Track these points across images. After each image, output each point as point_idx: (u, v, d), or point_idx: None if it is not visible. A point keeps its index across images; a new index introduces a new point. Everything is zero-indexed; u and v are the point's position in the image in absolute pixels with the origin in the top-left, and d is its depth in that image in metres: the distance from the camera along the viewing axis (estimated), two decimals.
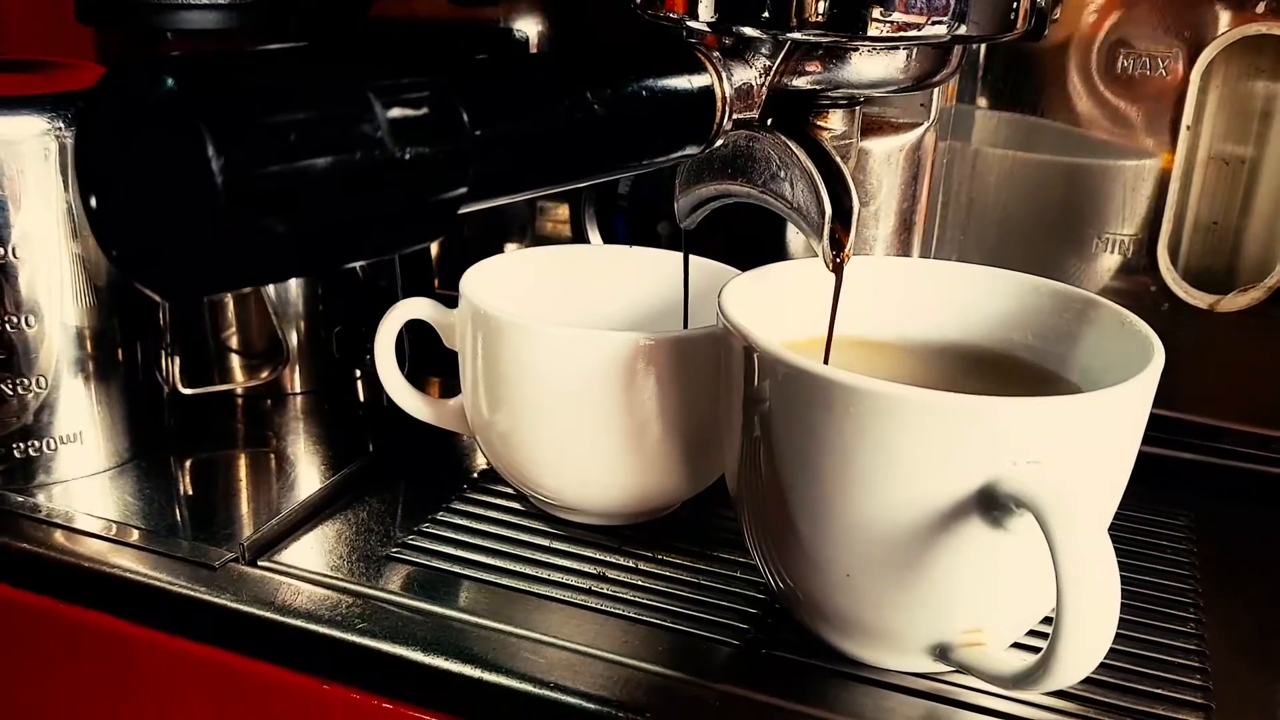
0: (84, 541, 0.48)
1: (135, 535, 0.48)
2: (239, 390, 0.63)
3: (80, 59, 0.56)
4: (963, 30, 0.40)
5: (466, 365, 0.50)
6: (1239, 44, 0.54)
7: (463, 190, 0.29)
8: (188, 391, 0.58)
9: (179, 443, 0.57)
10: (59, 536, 0.48)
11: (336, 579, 0.46)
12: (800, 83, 0.41)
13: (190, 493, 0.53)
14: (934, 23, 0.39)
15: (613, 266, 0.55)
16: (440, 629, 0.43)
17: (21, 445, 0.51)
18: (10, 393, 0.50)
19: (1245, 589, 0.49)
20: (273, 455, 0.57)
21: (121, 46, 0.62)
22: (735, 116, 0.39)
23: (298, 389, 0.63)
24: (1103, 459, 0.37)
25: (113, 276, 0.51)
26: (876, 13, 0.38)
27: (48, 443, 0.51)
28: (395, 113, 0.27)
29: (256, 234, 0.25)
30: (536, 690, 0.40)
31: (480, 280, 0.50)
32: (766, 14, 0.38)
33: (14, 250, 0.48)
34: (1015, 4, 0.41)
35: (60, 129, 0.48)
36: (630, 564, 0.47)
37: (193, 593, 0.44)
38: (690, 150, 0.39)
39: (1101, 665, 0.33)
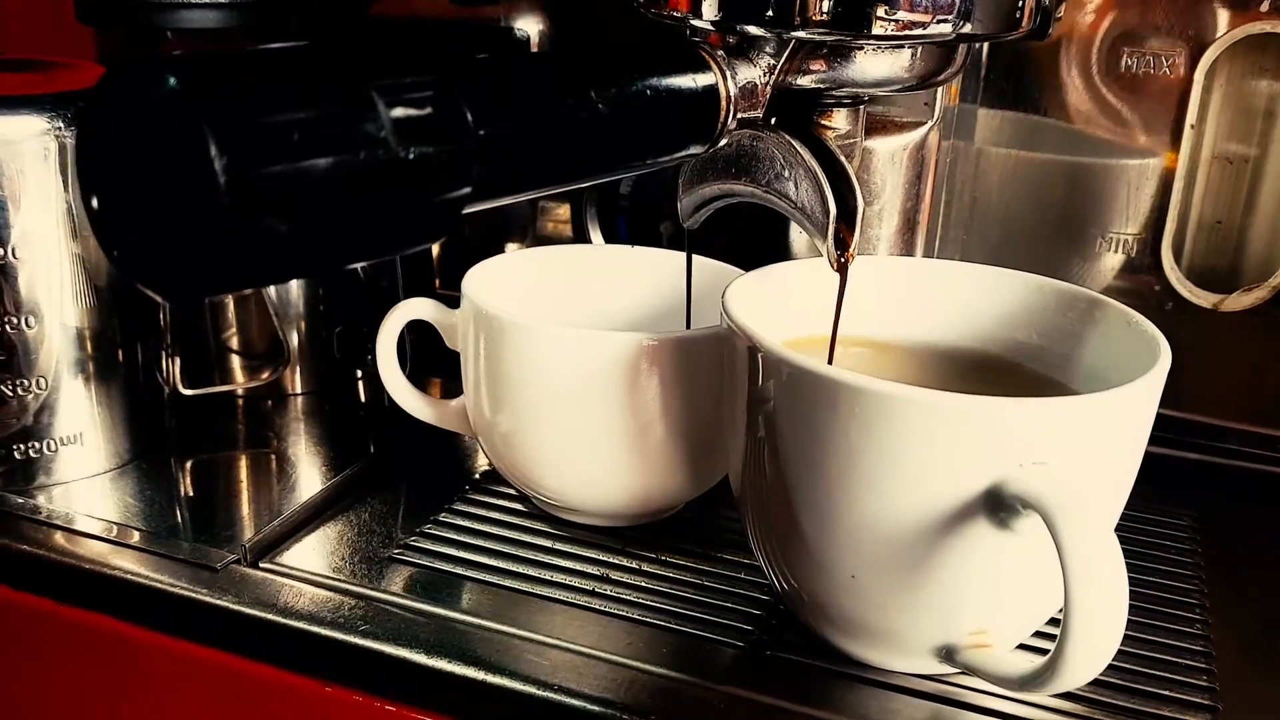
0: (84, 543, 0.47)
1: (136, 537, 0.48)
2: (240, 391, 0.62)
3: (80, 59, 0.56)
4: (968, 29, 0.39)
5: (468, 366, 0.49)
6: (1242, 43, 0.54)
7: (467, 190, 0.29)
8: (188, 392, 0.58)
9: (180, 444, 0.57)
10: (59, 538, 0.48)
11: (338, 580, 0.45)
12: (805, 82, 0.41)
13: (191, 494, 0.53)
14: (939, 21, 0.39)
15: (615, 266, 0.55)
16: (443, 631, 0.42)
17: (21, 447, 0.51)
18: (10, 394, 0.50)
19: (1250, 589, 0.48)
20: (274, 456, 0.57)
21: (121, 46, 0.62)
22: (740, 116, 0.39)
23: (299, 390, 0.63)
24: (1110, 459, 0.36)
25: (113, 277, 0.51)
26: (881, 11, 0.38)
27: (48, 444, 0.51)
28: (399, 112, 0.27)
29: (259, 234, 0.25)
30: (540, 692, 0.40)
31: (482, 280, 0.50)
32: (771, 12, 0.38)
33: (14, 250, 0.48)
34: (1021, 3, 0.40)
35: (60, 129, 0.48)
36: (634, 565, 0.47)
37: (194, 595, 0.44)
38: (694, 149, 0.38)
39: (1107, 666, 0.33)
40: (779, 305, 0.44)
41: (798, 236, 0.53)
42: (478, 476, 0.55)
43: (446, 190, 0.29)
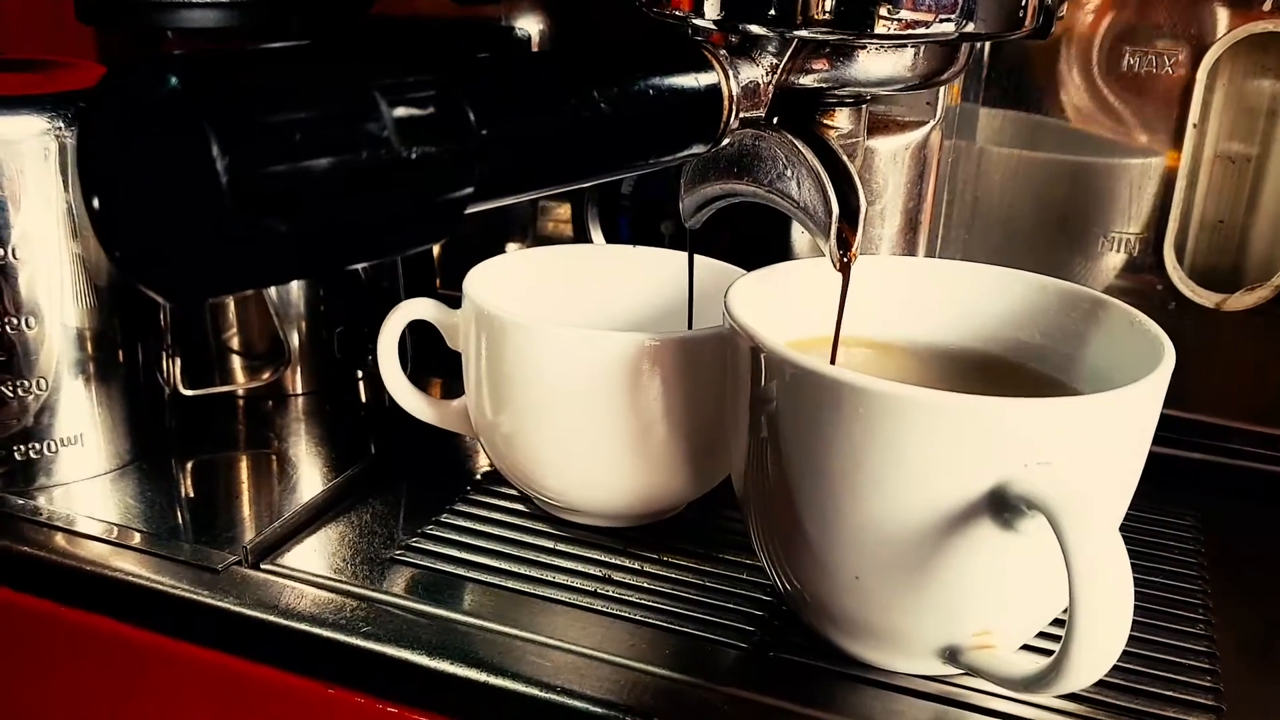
0: (85, 544, 0.47)
1: (137, 538, 0.48)
2: (240, 391, 0.62)
3: (80, 58, 0.56)
4: (971, 28, 0.39)
5: (470, 366, 0.49)
6: (1245, 42, 0.54)
7: (469, 190, 0.29)
8: (189, 393, 0.58)
9: (180, 445, 0.57)
10: (60, 539, 0.48)
11: (340, 582, 0.45)
12: (807, 81, 0.41)
13: (192, 495, 0.53)
14: (942, 20, 0.39)
15: (617, 266, 0.55)
16: (445, 632, 0.42)
17: (22, 448, 0.51)
18: (10, 394, 0.50)
19: (1253, 589, 0.48)
20: (275, 457, 0.57)
21: (122, 46, 0.62)
22: (742, 115, 0.39)
23: (299, 390, 0.63)
24: (1114, 459, 0.36)
25: (113, 277, 0.51)
26: (884, 10, 0.38)
27: (48, 445, 0.51)
28: (401, 112, 0.27)
29: (261, 235, 0.25)
30: (542, 694, 0.39)
31: (484, 280, 0.50)
32: (773, 11, 0.38)
33: (14, 251, 0.48)
34: (1024, 2, 0.40)
35: (60, 129, 0.48)
36: (636, 566, 0.47)
37: (195, 596, 0.44)
38: (697, 149, 0.38)
39: (1111, 666, 0.33)
40: (781, 305, 0.44)
41: (799, 236, 0.52)
42: (479, 477, 0.54)
43: (449, 190, 0.29)
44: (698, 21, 0.40)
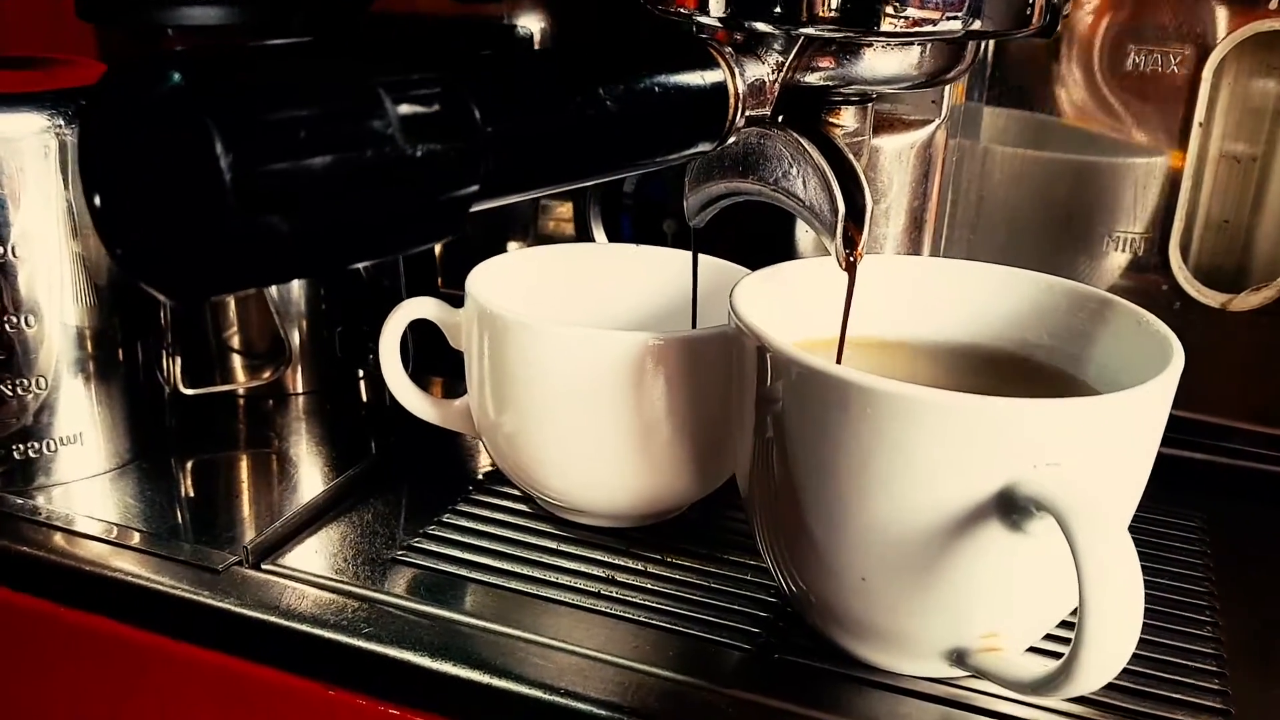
0: (85, 544, 0.47)
1: (137, 538, 0.47)
2: (241, 391, 0.62)
3: (80, 56, 0.55)
4: (978, 25, 0.39)
5: (472, 365, 0.49)
6: (1250, 41, 0.54)
7: (474, 188, 0.29)
8: (189, 392, 0.57)
9: (180, 444, 0.57)
10: (59, 539, 0.47)
11: (341, 582, 0.45)
12: (813, 79, 0.40)
13: (192, 495, 0.53)
14: (949, 18, 0.38)
15: (620, 265, 0.55)
16: (447, 633, 0.42)
17: (21, 447, 0.50)
18: (10, 393, 0.49)
19: (1260, 590, 0.48)
20: (275, 457, 0.56)
21: (122, 43, 0.62)
22: (748, 114, 0.38)
23: (300, 389, 0.63)
24: (1123, 460, 0.36)
25: (113, 275, 0.51)
26: (890, 8, 0.38)
27: (47, 444, 0.51)
28: (406, 109, 0.27)
29: (265, 233, 0.24)
30: (545, 696, 0.39)
31: (487, 279, 0.50)
32: (779, 9, 0.38)
33: (13, 249, 0.48)
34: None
35: (60, 126, 0.47)
36: (639, 567, 0.47)
37: (196, 597, 0.44)
38: (703, 147, 0.38)
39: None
40: (786, 304, 0.44)
41: (803, 235, 0.52)
42: (481, 477, 0.54)
43: (454, 188, 0.28)
44: (702, 19, 0.40)
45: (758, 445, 0.39)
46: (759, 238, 0.52)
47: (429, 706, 0.41)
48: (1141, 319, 0.41)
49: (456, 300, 0.50)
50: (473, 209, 0.30)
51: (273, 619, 0.43)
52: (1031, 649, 0.41)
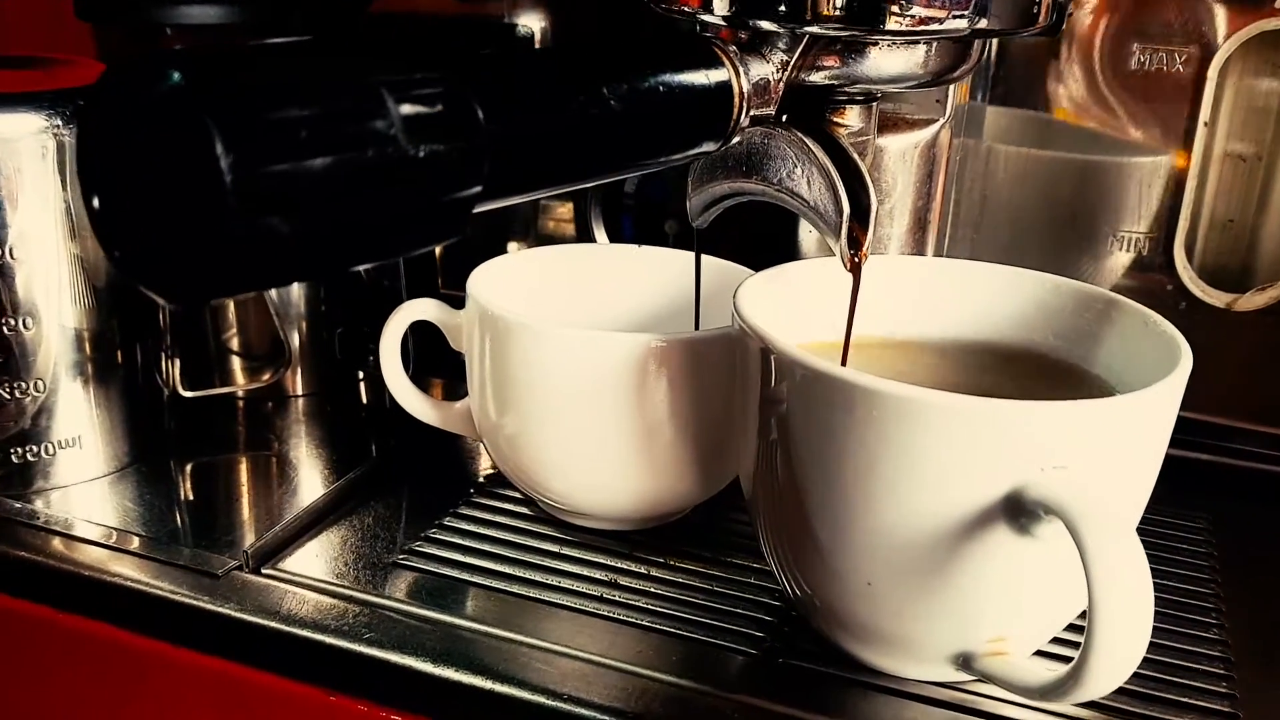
0: (83, 549, 0.47)
1: (136, 542, 0.47)
2: (240, 393, 0.62)
3: (79, 55, 0.55)
4: (983, 24, 0.39)
5: (474, 367, 0.49)
6: (1255, 40, 0.53)
7: (477, 189, 0.28)
8: (188, 394, 0.57)
9: (180, 447, 0.56)
10: (57, 544, 0.47)
11: (342, 587, 0.45)
12: (817, 78, 0.40)
13: (191, 498, 0.52)
14: (955, 16, 0.38)
15: (622, 266, 0.55)
16: (448, 638, 0.42)
17: (19, 450, 0.50)
18: (7, 396, 0.49)
19: (1267, 591, 0.48)
20: (275, 459, 0.56)
21: (120, 42, 0.61)
22: (752, 113, 0.38)
23: (300, 391, 0.62)
24: (1131, 463, 0.36)
25: (112, 277, 0.50)
26: (896, 6, 0.37)
27: (46, 447, 0.50)
28: (408, 109, 0.26)
29: (266, 235, 0.24)
30: (548, 701, 0.39)
31: (488, 280, 0.49)
32: (784, 7, 0.38)
33: (11, 251, 0.47)
34: None
35: (58, 126, 0.47)
36: (642, 570, 0.46)
37: (195, 602, 0.43)
38: (707, 147, 0.38)
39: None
40: (791, 305, 0.43)
41: (807, 235, 0.52)
42: (482, 480, 0.54)
43: (457, 189, 0.28)
44: (706, 17, 0.40)
45: (762, 448, 0.39)
46: (762, 238, 0.52)
47: (430, 712, 0.41)
48: (1149, 320, 0.41)
49: (457, 301, 0.50)
50: (476, 210, 0.29)
51: (273, 624, 0.42)
52: (1037, 652, 0.41)
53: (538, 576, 0.46)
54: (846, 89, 0.41)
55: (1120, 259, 0.58)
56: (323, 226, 0.25)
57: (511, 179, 0.31)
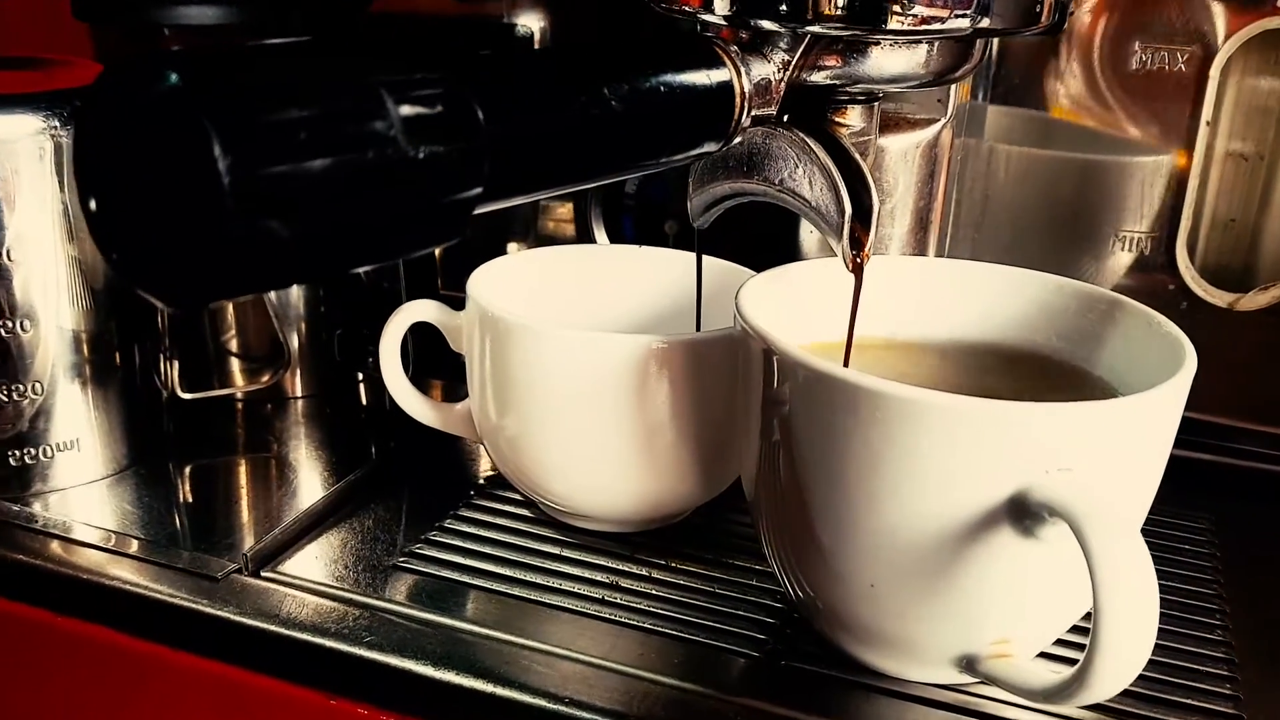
0: (81, 552, 0.46)
1: (134, 545, 0.47)
2: (239, 395, 0.61)
3: (77, 56, 0.55)
4: (986, 23, 0.38)
5: (474, 369, 0.48)
6: (1257, 39, 0.53)
7: (478, 190, 0.28)
8: (187, 396, 0.57)
9: (178, 449, 0.56)
10: (55, 547, 0.47)
11: (342, 590, 0.44)
12: (819, 78, 0.40)
13: (190, 501, 0.52)
14: (957, 16, 0.38)
15: (622, 267, 0.54)
16: (449, 641, 0.41)
17: (17, 453, 0.50)
18: (5, 399, 0.49)
19: (1270, 592, 0.48)
20: (274, 461, 0.56)
21: (118, 43, 0.61)
22: (753, 113, 0.38)
23: (299, 393, 0.62)
24: (1136, 464, 0.36)
25: (110, 279, 0.50)
26: (898, 6, 0.37)
27: (44, 450, 0.50)
28: (408, 110, 0.26)
29: (264, 237, 0.24)
30: (549, 704, 0.39)
31: (488, 282, 0.49)
32: (785, 7, 0.37)
33: (8, 253, 0.47)
34: None
35: (55, 128, 0.47)
36: (644, 572, 0.46)
37: (194, 605, 0.43)
38: (708, 147, 0.38)
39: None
40: (792, 306, 0.43)
41: (808, 236, 0.52)
42: (483, 482, 0.54)
43: (457, 190, 0.28)
44: (707, 17, 0.39)
45: (764, 449, 0.39)
46: (764, 238, 0.51)
47: (431, 715, 0.41)
48: (1152, 320, 0.40)
49: (457, 303, 0.49)
50: (477, 211, 0.29)
51: (272, 627, 0.42)
52: (1041, 654, 0.41)
53: (538, 579, 0.45)
54: (848, 89, 0.41)
55: (1122, 259, 0.58)
56: (322, 228, 0.25)
57: (512, 180, 0.31)
